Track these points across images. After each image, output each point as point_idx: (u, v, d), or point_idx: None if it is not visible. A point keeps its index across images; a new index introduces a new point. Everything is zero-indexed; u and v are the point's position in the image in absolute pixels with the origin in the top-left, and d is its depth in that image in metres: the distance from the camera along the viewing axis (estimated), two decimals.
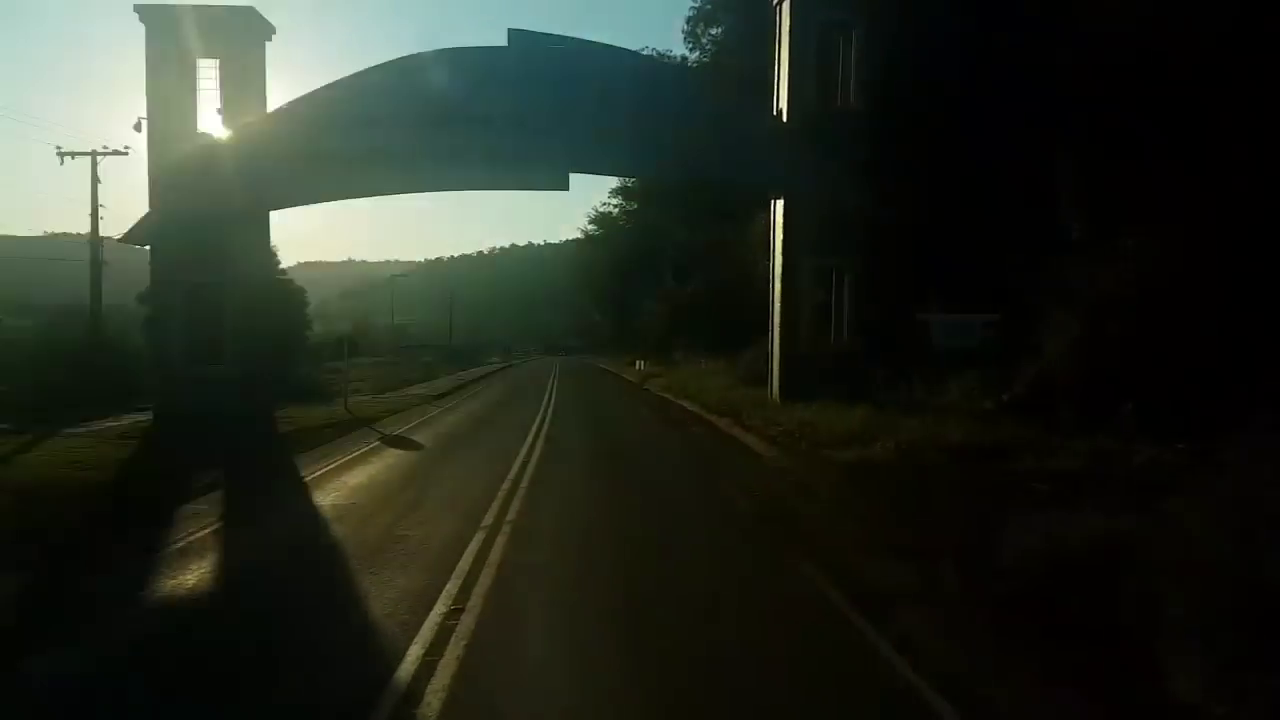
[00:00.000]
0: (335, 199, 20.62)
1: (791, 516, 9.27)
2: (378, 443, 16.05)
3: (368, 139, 19.00)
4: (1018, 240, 18.95)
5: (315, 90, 19.38)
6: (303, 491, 11.00)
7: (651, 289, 50.90)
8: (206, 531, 8.72)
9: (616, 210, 66.72)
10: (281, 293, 51.28)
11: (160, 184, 19.00)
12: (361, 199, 22.55)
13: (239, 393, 19.32)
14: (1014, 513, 8.55)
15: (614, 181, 56.56)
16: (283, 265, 37.71)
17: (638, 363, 52.44)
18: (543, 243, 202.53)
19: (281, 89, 18.78)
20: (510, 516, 9.00)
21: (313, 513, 9.67)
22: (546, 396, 29.80)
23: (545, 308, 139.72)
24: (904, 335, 20.34)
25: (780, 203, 20.25)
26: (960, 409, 17.69)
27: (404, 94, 19.31)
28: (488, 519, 8.89)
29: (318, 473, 12.50)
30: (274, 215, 21.01)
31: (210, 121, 19.61)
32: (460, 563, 7.17)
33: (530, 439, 16.11)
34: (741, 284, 33.88)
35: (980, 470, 11.45)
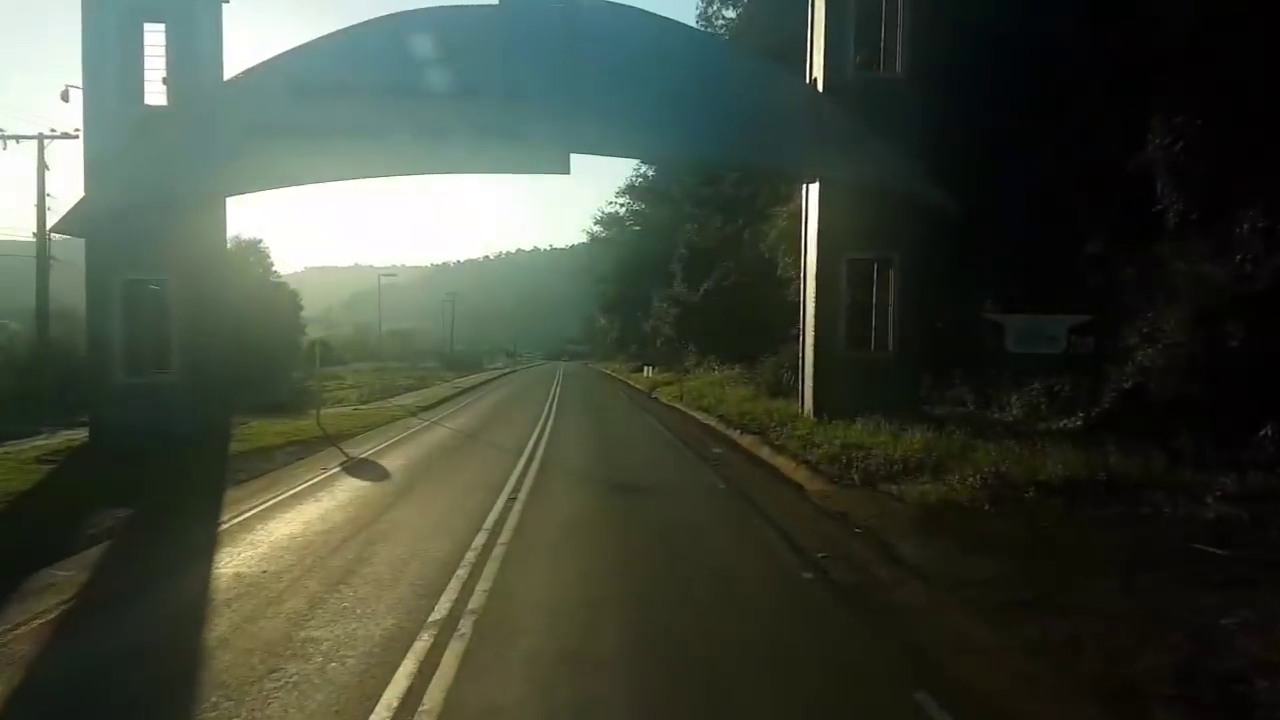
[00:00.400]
0: (300, 182, 17.92)
1: (885, 603, 6.48)
2: (337, 469, 13.33)
3: (337, 112, 16.31)
4: (1100, 227, 16.17)
5: (277, 56, 16.73)
6: (211, 546, 8.28)
7: (660, 292, 48.23)
8: (35, 624, 6.02)
9: (624, 210, 64.36)
10: (270, 296, 48.83)
11: (96, 165, 16.36)
12: (337, 184, 19.93)
13: (190, 406, 16.66)
14: (1202, 597, 5.85)
15: (622, 180, 54.17)
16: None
17: (645, 369, 49.75)
18: (549, 247, 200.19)
19: (241, 57, 15.88)
20: (475, 603, 6.23)
21: (203, 588, 6.93)
22: (546, 408, 27.06)
23: (551, 312, 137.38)
24: (964, 340, 17.56)
25: (815, 187, 17.50)
26: (1037, 429, 14.93)
27: (379, 60, 16.63)
28: (442, 605, 6.14)
29: (245, 514, 9.79)
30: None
31: (157, 95, 17.00)
32: (380, 705, 4.45)
33: (521, 465, 13.37)
34: (759, 285, 31.17)
35: (1110, 521, 8.68)
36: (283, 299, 52.93)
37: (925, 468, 11.47)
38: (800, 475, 12.66)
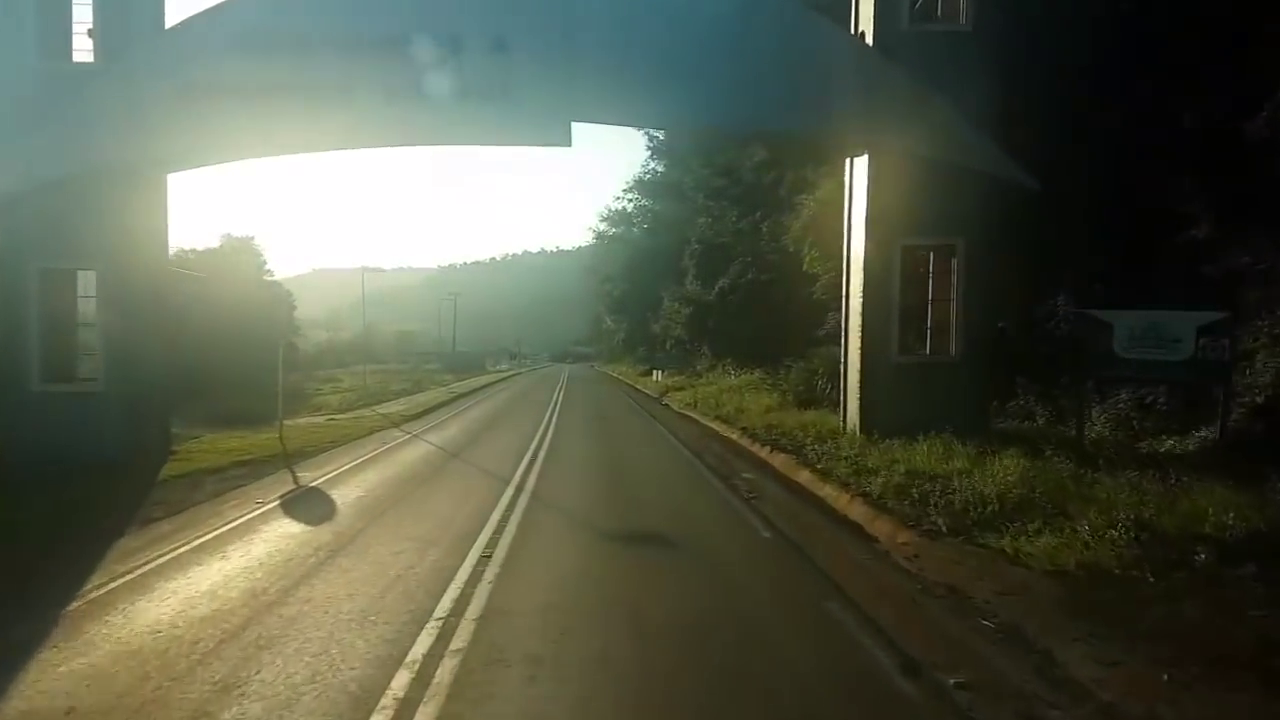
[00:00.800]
0: (254, 154, 15.24)
1: None
2: (275, 503, 10.58)
3: (295, 70, 13.65)
4: (1206, 208, 13.37)
5: (225, 1, 14.06)
6: (27, 647, 5.56)
7: (671, 291, 45.50)
8: None
9: (632, 205, 61.73)
10: (262, 296, 46.30)
11: (6, 132, 13.72)
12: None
13: (120, 420, 14.02)
14: None
15: (630, 176, 51.55)
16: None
17: (655, 373, 47.04)
18: (556, 249, 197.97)
19: (183, 4, 13.18)
20: None
21: None
22: (545, 418, 24.31)
23: (556, 314, 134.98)
24: (1040, 341, 14.82)
25: (862, 162, 14.73)
26: (1136, 450, 12.17)
27: (344, 7, 14.02)
28: None
29: (117, 581, 7.07)
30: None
31: (86, 52, 14.37)
32: None
33: (506, 500, 10.60)
34: (780, 282, 28.44)
35: None
36: (276, 299, 50.47)
37: (1033, 510, 8.70)
38: (859, 513, 9.91)
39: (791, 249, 25.79)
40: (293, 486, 11.91)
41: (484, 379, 57.60)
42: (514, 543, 8.19)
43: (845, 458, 12.96)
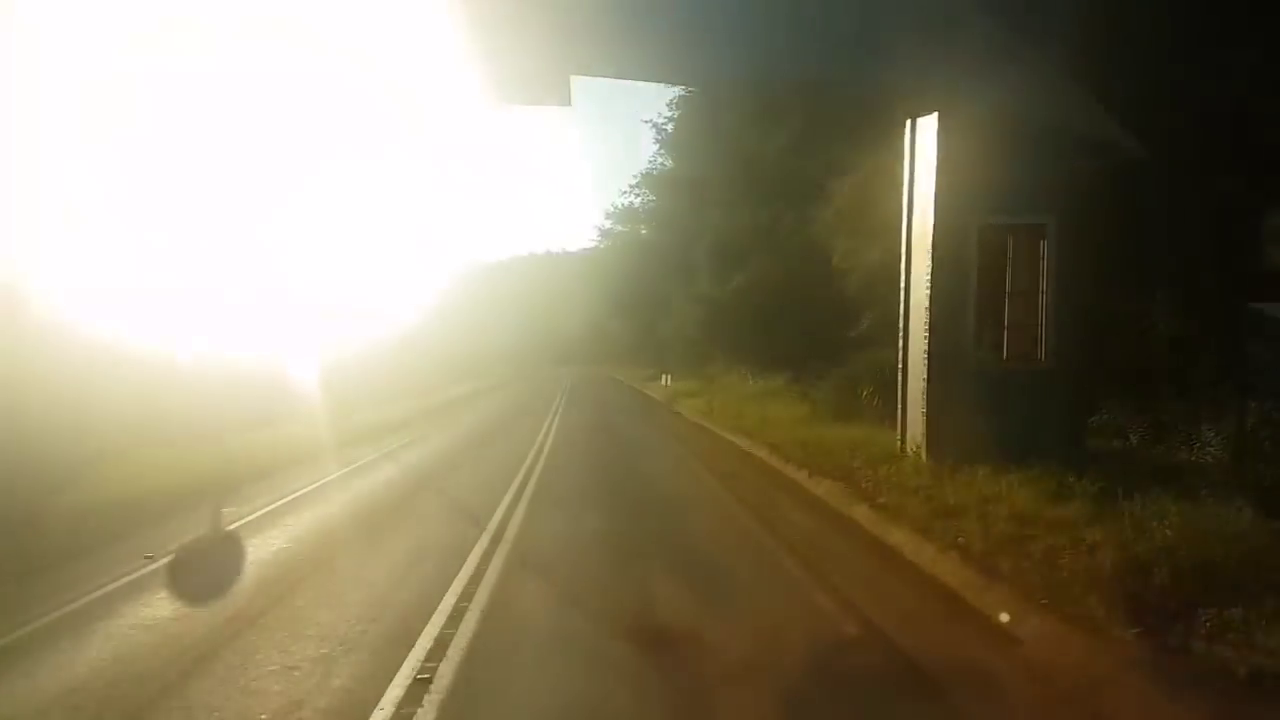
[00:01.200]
0: None
1: None
2: (164, 563, 7.82)
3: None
4: None
5: None
6: None
7: (682, 290, 42.79)
8: None
9: (639, 201, 59.10)
10: None
11: None
12: None
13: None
14: None
15: (642, 163, 49.01)
16: None
17: (664, 377, 44.33)
18: (562, 250, 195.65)
19: None
20: None
21: None
22: (542, 428, 21.58)
23: (560, 316, 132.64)
24: (1156, 342, 12.07)
25: (929, 123, 11.94)
26: None
27: None
28: None
29: None
30: None
31: None
32: None
33: (477, 557, 7.82)
34: (806, 278, 25.67)
35: None
36: None
37: (1241, 588, 5.93)
38: (959, 578, 7.12)
39: (820, 239, 23.06)
40: (205, 532, 9.16)
41: (481, 383, 54.92)
42: (473, 648, 5.41)
43: (914, 490, 10.22)
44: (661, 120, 45.78)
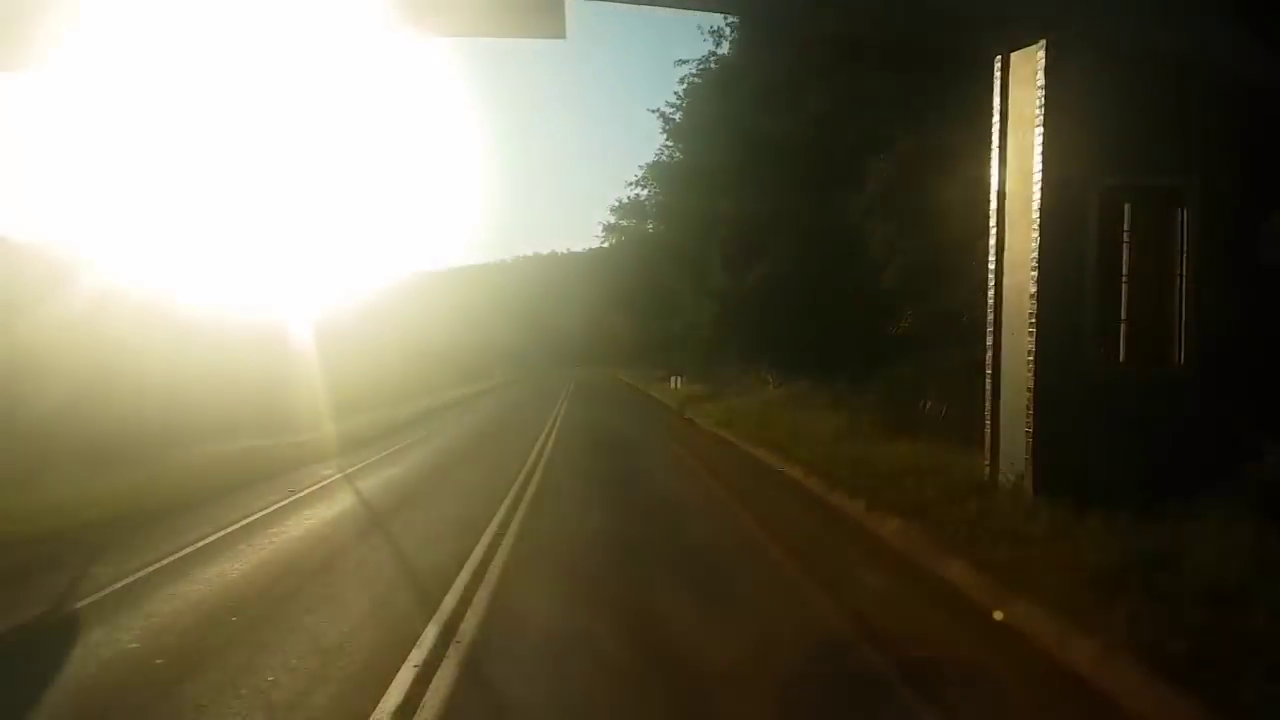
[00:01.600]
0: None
1: None
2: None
3: None
4: None
5: None
6: None
7: (691, 286, 40.20)
8: None
9: (645, 195, 56.61)
10: None
11: None
12: None
13: None
14: None
15: (649, 154, 46.43)
16: None
17: (674, 379, 41.76)
18: (566, 250, 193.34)
19: None
20: None
21: None
22: (539, 442, 18.98)
23: (564, 316, 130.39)
24: None
25: (1029, 58, 9.29)
26: None
27: None
28: None
29: None
30: None
31: None
32: None
33: (424, 652, 5.24)
34: (837, 269, 23.05)
35: None
36: None
37: None
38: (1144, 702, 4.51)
39: (852, 225, 20.50)
40: (45, 609, 6.53)
41: (480, 385, 52.46)
42: None
43: (1028, 539, 7.59)
44: (669, 109, 43.36)
